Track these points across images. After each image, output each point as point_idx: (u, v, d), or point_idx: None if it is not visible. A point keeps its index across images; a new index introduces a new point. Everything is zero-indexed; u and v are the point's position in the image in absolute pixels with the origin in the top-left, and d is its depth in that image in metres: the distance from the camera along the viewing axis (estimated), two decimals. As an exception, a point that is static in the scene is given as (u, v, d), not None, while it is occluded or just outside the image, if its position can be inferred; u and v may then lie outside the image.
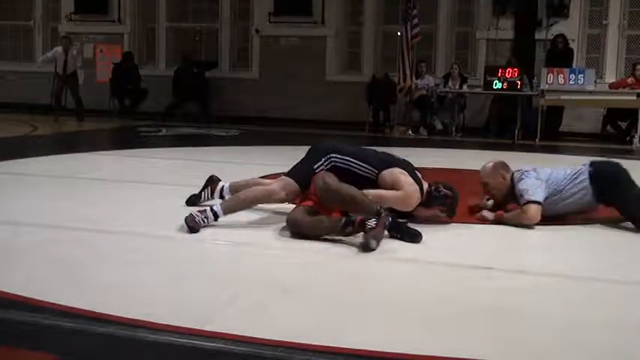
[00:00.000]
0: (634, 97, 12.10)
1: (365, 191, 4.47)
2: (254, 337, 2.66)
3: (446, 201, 4.78)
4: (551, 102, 12.56)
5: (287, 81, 15.22)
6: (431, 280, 3.63)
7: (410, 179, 4.69)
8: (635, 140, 12.02)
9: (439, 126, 13.66)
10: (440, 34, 14.70)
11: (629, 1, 13.69)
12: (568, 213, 4.97)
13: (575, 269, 3.90)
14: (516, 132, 12.42)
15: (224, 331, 2.71)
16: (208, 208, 4.55)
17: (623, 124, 12.72)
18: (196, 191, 5.29)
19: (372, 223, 4.05)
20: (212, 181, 5.33)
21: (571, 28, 13.68)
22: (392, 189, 4.63)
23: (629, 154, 11.13)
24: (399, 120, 13.71)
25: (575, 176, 4.91)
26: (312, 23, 15.22)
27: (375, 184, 4.66)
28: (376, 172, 4.71)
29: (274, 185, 4.74)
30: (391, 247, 4.15)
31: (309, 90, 15.04)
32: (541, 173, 4.94)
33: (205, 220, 4.46)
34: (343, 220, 4.16)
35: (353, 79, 14.87)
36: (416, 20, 13.20)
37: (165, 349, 2.61)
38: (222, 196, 5.20)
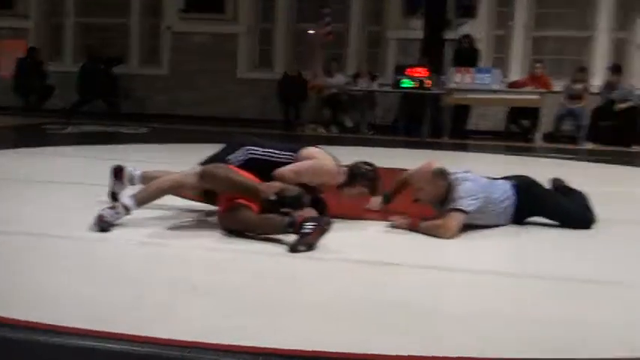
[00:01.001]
0: (536, 96, 12.50)
1: (280, 169, 4.47)
2: (161, 338, 2.63)
3: (367, 176, 4.77)
4: (458, 100, 12.85)
5: (198, 78, 15.11)
6: (339, 277, 3.65)
7: (326, 155, 4.78)
8: (537, 138, 12.41)
9: (350, 124, 13.80)
10: (351, 32, 14.82)
11: (534, 3, 14.10)
12: (489, 225, 4.77)
13: (484, 264, 4.00)
14: (425, 130, 12.65)
15: (130, 333, 2.67)
16: (119, 203, 4.47)
17: (526, 122, 13.11)
18: (107, 189, 5.17)
19: (308, 227, 3.98)
20: (118, 171, 5.15)
21: (479, 28, 14.01)
22: None
23: (531, 151, 11.49)
24: (311, 118, 13.78)
25: (504, 189, 4.81)
26: (224, 20, 15.12)
27: None
28: (294, 154, 4.76)
29: (188, 174, 4.63)
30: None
31: (221, 87, 14.97)
32: (480, 181, 4.76)
33: (118, 215, 4.37)
34: (287, 220, 4.12)
35: (265, 77, 14.85)
36: (328, 19, 13.30)
37: (69, 352, 2.55)
38: (133, 183, 5.10)
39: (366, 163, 4.84)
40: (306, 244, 3.97)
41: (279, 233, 4.18)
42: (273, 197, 4.25)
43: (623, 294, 3.53)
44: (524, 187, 4.89)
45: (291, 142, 5.55)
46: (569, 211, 4.94)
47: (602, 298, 3.45)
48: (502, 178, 4.97)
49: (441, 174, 4.69)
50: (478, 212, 4.61)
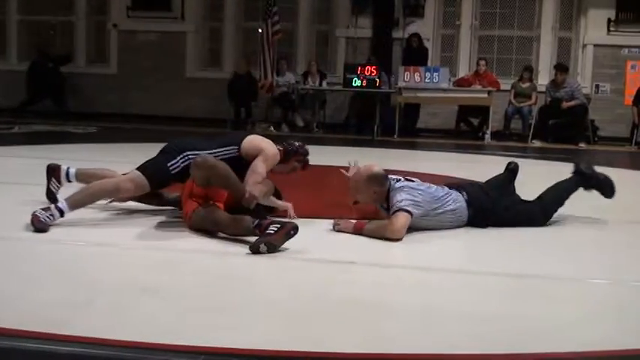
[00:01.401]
0: (485, 95, 12.66)
1: (249, 192, 4.43)
2: (113, 339, 2.59)
3: (299, 151, 4.97)
4: (408, 99, 12.95)
5: (146, 77, 14.96)
6: (291, 276, 3.64)
7: (264, 139, 4.86)
8: (487, 136, 12.57)
9: (300, 122, 13.82)
10: (300, 31, 14.83)
11: (480, 3, 14.28)
12: (440, 228, 4.70)
13: (435, 262, 4.02)
14: (375, 128, 12.71)
15: (82, 335, 2.62)
16: (53, 206, 4.37)
17: (475, 121, 13.27)
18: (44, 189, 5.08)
19: (273, 228, 3.98)
20: (53, 170, 5.07)
21: (426, 27, 14.13)
22: (256, 155, 4.65)
23: (481, 149, 11.63)
24: (261, 117, 13.75)
25: (450, 198, 4.71)
26: (171, 18, 15.00)
27: (240, 160, 4.65)
28: (237, 147, 4.73)
29: (124, 179, 4.59)
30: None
31: (169, 86, 14.84)
32: (421, 187, 4.67)
33: (51, 218, 4.28)
34: (256, 221, 4.12)
35: (214, 76, 14.78)
36: (276, 17, 13.29)
37: (19, 355, 2.50)
38: (69, 180, 5.05)
39: (294, 141, 5.11)
40: (268, 243, 3.93)
41: (247, 235, 4.17)
42: (252, 207, 4.35)
43: (572, 290, 3.60)
44: (473, 199, 4.79)
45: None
46: (521, 213, 4.91)
47: (546, 294, 3.50)
48: (453, 188, 4.87)
49: (376, 179, 4.60)
50: (424, 216, 4.55)
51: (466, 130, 13.40)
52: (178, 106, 14.74)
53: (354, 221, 4.56)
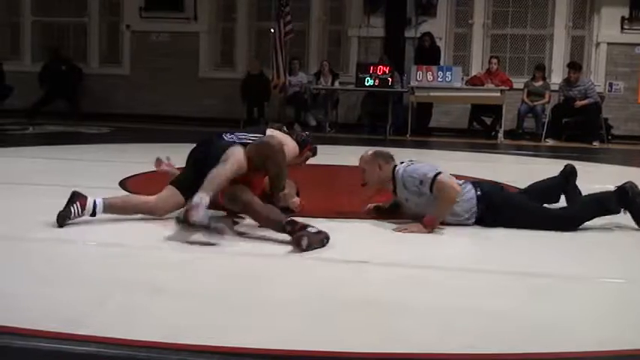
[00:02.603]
0: (497, 94, 12.61)
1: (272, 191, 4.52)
2: (127, 339, 2.60)
3: (308, 139, 4.99)
4: (420, 98, 12.94)
5: (159, 77, 14.99)
6: (303, 275, 3.64)
7: (283, 135, 4.83)
8: (500, 135, 12.53)
9: (313, 122, 13.81)
10: (312, 31, 14.82)
11: (492, 2, 14.24)
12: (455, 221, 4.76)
13: (449, 261, 4.01)
14: (388, 128, 12.70)
15: (95, 334, 2.64)
16: (91, 201, 4.40)
17: (488, 120, 13.23)
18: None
19: (312, 230, 4.03)
20: (78, 196, 4.47)
21: (439, 26, 14.10)
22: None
23: (495, 148, 11.60)
24: (273, 117, 13.75)
25: (464, 190, 4.75)
26: (184, 19, 15.03)
27: None
28: (262, 135, 4.74)
29: (154, 201, 4.59)
30: (265, 245, 4.17)
31: (182, 87, 14.86)
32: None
33: (83, 213, 4.34)
34: (289, 219, 4.16)
35: (226, 76, 14.80)
36: (289, 17, 13.29)
37: (33, 355, 2.51)
38: (94, 213, 4.51)
39: (299, 129, 5.20)
40: (310, 240, 3.97)
41: (274, 228, 4.20)
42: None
43: (583, 290, 3.59)
44: (485, 195, 4.80)
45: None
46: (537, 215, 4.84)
47: (561, 293, 3.49)
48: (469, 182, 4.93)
49: (382, 154, 4.77)
50: None
51: (479, 129, 13.37)
52: (191, 106, 14.77)
53: (418, 223, 4.60)
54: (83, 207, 4.42)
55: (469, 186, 4.81)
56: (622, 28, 13.61)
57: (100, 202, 4.47)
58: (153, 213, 4.57)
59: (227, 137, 4.61)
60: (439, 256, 4.14)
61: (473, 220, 4.78)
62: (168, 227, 4.48)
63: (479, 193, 4.78)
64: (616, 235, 4.83)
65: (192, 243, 4.13)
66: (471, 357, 2.59)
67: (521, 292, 3.46)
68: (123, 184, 6.03)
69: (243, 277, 3.57)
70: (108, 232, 4.35)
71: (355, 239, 4.45)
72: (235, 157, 4.37)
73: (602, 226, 4.92)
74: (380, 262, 3.87)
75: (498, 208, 4.77)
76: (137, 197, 4.86)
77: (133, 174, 6.46)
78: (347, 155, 6.36)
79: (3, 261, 3.70)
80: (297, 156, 4.85)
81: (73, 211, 4.39)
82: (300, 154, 4.88)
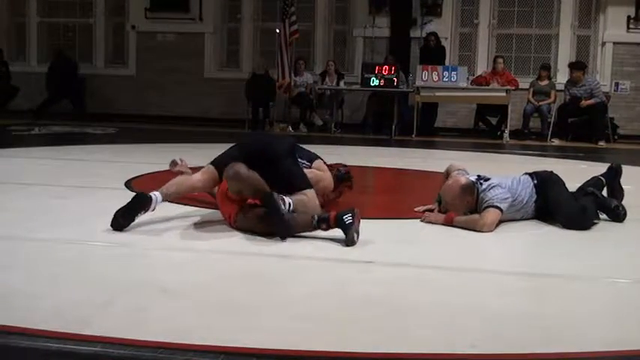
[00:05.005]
0: (503, 94, 12.59)
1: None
2: (133, 339, 2.61)
3: (347, 176, 5.20)
4: (426, 98, 12.92)
5: (164, 78, 15.01)
6: (309, 276, 3.65)
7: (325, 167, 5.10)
8: (505, 135, 12.52)
9: (318, 122, 13.82)
10: (318, 31, 14.83)
11: (498, 2, 14.23)
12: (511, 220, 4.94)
13: (454, 261, 4.01)
14: (393, 128, 12.70)
15: (102, 335, 2.64)
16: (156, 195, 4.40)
17: (494, 120, 13.21)
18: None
19: (349, 218, 4.14)
20: (144, 203, 4.37)
21: (444, 26, 14.10)
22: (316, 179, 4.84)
23: (500, 148, 11.58)
24: (279, 117, 13.77)
25: (524, 184, 4.97)
26: (189, 19, 15.05)
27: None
28: (310, 164, 5.01)
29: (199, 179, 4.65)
30: (271, 244, 4.17)
31: (187, 87, 14.89)
32: (503, 183, 4.90)
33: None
34: (317, 217, 4.24)
35: (232, 76, 14.81)
36: (294, 17, 13.31)
37: (41, 355, 2.52)
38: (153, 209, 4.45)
39: (340, 165, 5.29)
40: (357, 232, 4.14)
41: (306, 230, 4.28)
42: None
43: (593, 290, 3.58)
44: (541, 184, 5.00)
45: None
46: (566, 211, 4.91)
47: (566, 293, 3.48)
48: (526, 174, 5.10)
49: (469, 189, 4.86)
50: (510, 206, 4.83)
51: (484, 129, 13.35)
52: (196, 106, 14.79)
53: (442, 215, 4.87)
54: (147, 210, 4.39)
55: (529, 185, 4.98)
56: (628, 28, 13.58)
57: (158, 195, 4.42)
58: (195, 189, 4.68)
59: (300, 159, 4.89)
60: (444, 256, 4.14)
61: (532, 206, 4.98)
62: (176, 228, 4.49)
63: (535, 182, 4.99)
64: (620, 235, 4.82)
65: (199, 244, 4.14)
66: (476, 357, 2.59)
67: (525, 291, 3.46)
68: (129, 184, 6.04)
69: (250, 278, 3.58)
70: (114, 232, 4.36)
71: (360, 239, 4.45)
72: (313, 202, 4.54)
73: (605, 225, 4.92)
74: (385, 262, 3.88)
75: (548, 199, 4.94)
76: (186, 178, 4.79)
77: (139, 174, 6.48)
78: (352, 155, 6.38)
79: (10, 261, 3.70)
80: (330, 191, 5.07)
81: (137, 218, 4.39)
82: (334, 189, 5.11)
